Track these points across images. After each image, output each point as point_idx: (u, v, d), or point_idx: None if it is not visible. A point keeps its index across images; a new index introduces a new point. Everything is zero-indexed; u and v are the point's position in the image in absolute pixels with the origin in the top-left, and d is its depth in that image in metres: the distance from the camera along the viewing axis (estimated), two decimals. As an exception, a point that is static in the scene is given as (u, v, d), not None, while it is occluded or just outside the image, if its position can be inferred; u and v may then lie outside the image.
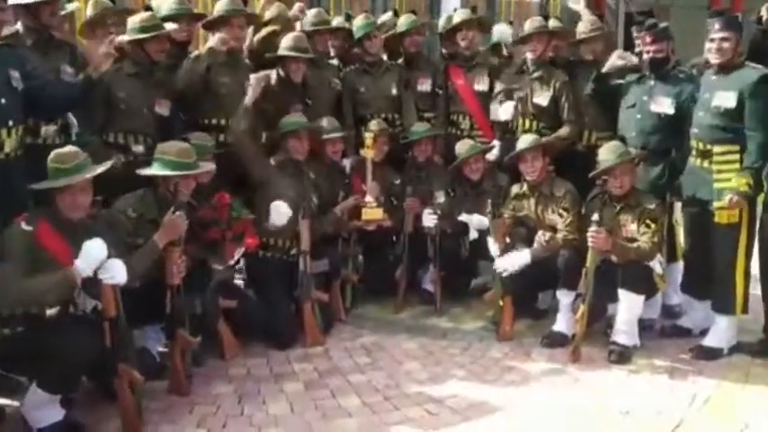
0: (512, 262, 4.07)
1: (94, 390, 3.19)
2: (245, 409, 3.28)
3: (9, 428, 2.99)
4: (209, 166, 3.58)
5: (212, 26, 4.17)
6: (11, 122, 3.14)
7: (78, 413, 3.05)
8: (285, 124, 4.08)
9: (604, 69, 4.37)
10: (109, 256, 2.83)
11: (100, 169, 2.98)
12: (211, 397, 3.36)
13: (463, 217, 4.47)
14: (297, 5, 4.61)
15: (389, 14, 5.29)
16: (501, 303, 4.11)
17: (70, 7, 4.05)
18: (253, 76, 3.95)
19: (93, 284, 2.87)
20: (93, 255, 2.80)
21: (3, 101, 3.12)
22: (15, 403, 3.07)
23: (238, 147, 3.93)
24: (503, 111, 4.58)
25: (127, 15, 3.99)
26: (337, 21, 5.06)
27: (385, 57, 4.93)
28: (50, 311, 2.90)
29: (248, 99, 3.92)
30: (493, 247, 4.14)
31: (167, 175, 3.33)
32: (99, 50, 3.48)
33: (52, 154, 2.95)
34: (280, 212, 3.93)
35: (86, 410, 3.11)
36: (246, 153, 3.93)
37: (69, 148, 3.01)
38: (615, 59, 4.36)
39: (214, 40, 3.96)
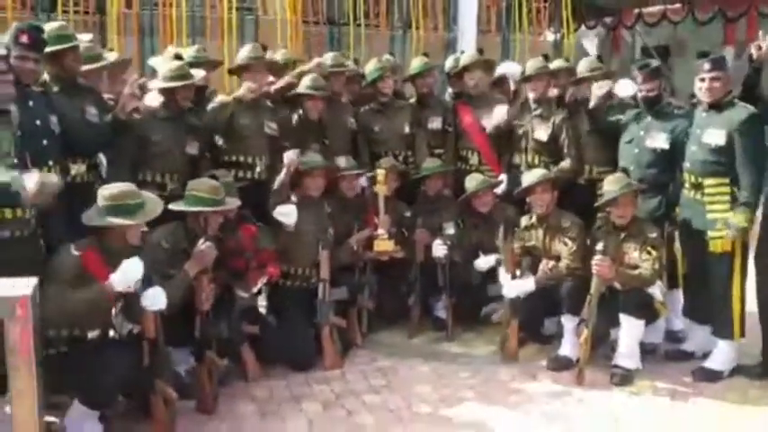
0: (518, 287, 4.30)
1: (130, 407, 3.44)
2: (267, 427, 3.50)
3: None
4: (236, 203, 3.85)
5: (235, 72, 4.55)
6: (51, 162, 3.42)
7: (115, 428, 3.30)
8: (303, 163, 4.35)
9: (591, 105, 4.62)
10: (149, 284, 3.09)
11: (158, 211, 3.30)
12: (235, 416, 3.58)
13: (474, 263, 4.70)
14: (315, 61, 4.90)
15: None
16: (508, 329, 4.33)
17: (110, 58, 4.38)
18: (286, 155, 4.24)
19: (133, 308, 3.14)
20: (129, 271, 3.02)
21: (44, 142, 3.39)
22: (53, 419, 3.33)
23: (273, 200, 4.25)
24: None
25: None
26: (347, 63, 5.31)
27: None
28: (92, 334, 3.17)
29: (280, 179, 4.22)
30: (503, 274, 4.36)
31: (199, 210, 3.62)
32: (125, 91, 3.79)
33: (115, 191, 3.21)
34: (285, 214, 4.16)
35: (123, 425, 3.35)
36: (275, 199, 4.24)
37: (128, 187, 3.27)
38: (596, 90, 4.60)
39: (242, 89, 4.29)
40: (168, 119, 4.13)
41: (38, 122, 3.40)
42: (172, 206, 3.54)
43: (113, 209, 3.16)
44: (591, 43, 5.37)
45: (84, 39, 4.09)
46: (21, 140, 3.18)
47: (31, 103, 3.40)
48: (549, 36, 10.46)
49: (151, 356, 3.09)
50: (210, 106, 4.32)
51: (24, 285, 2.52)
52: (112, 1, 7.45)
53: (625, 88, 4.62)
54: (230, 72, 4.64)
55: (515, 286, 4.30)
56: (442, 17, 9.69)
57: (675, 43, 11.82)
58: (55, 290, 2.99)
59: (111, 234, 3.17)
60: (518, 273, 4.37)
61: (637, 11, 12.19)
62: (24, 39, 3.32)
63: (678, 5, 11.41)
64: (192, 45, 5.54)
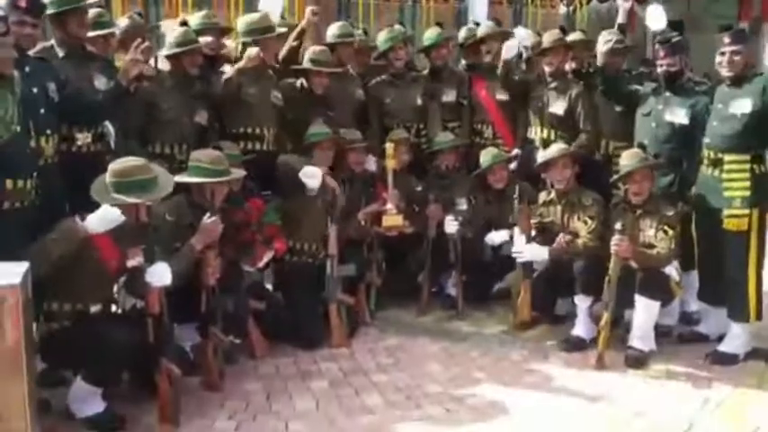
0: (531, 252, 4.21)
1: (133, 383, 3.38)
2: (273, 404, 3.44)
3: (54, 418, 3.18)
4: (240, 173, 3.74)
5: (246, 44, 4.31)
6: (49, 131, 3.34)
7: (119, 405, 3.23)
8: (310, 135, 4.26)
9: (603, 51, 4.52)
10: (153, 258, 3.01)
11: (170, 187, 3.22)
12: (242, 393, 3.52)
13: (486, 238, 4.62)
14: (308, 10, 4.73)
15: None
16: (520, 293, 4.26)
17: (120, 25, 4.24)
18: None
19: (137, 283, 3.06)
20: (107, 216, 2.94)
21: (42, 111, 3.30)
22: (60, 395, 3.27)
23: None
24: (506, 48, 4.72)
25: (152, 32, 4.20)
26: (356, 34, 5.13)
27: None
28: (94, 308, 3.10)
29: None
30: (518, 236, 4.26)
31: (202, 182, 3.52)
32: (127, 57, 3.67)
33: (127, 167, 3.10)
34: (310, 176, 4.03)
35: (127, 402, 3.29)
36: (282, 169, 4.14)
37: (139, 162, 3.16)
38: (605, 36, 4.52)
39: (243, 59, 4.12)
40: (176, 87, 4.03)
41: (35, 90, 3.32)
42: (175, 178, 3.43)
43: (124, 185, 3.05)
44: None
45: (93, 2, 3.99)
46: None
47: (27, 69, 3.30)
48: (562, 9, 10.25)
49: (155, 333, 3.01)
50: (215, 86, 4.16)
51: (14, 273, 2.50)
52: (117, -32, 7.26)
53: (656, 17, 4.62)
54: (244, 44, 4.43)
55: (529, 249, 4.20)
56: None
57: (689, 18, 11.58)
58: (51, 249, 2.91)
59: (122, 210, 3.04)
60: (533, 234, 4.28)
61: (651, -17, 11.94)
62: (22, 2, 3.24)
63: (693, -22, 11.19)
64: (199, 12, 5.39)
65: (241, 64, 4.13)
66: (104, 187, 3.06)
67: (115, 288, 3.15)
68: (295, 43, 4.61)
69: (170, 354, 3.11)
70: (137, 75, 3.67)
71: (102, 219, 2.96)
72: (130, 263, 3.03)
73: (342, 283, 4.20)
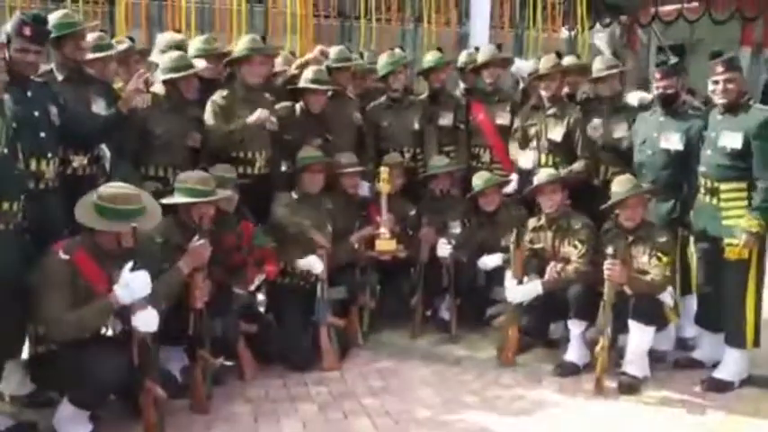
0: (524, 292, 4.18)
1: (120, 406, 3.36)
2: (261, 427, 3.42)
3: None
4: (226, 194, 3.75)
5: (234, 63, 4.37)
6: (50, 154, 3.37)
7: (105, 427, 3.22)
8: (301, 159, 4.28)
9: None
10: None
11: (156, 220, 3.21)
12: (229, 416, 3.50)
13: (479, 262, 4.62)
14: (317, 49, 4.80)
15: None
16: (509, 332, 4.22)
17: (120, 48, 4.28)
18: (257, 112, 4.11)
19: (123, 309, 3.04)
20: (135, 287, 2.94)
21: (42, 135, 3.33)
22: (47, 416, 3.26)
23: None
24: (524, 160, 4.74)
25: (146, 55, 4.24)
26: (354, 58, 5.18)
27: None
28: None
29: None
30: (509, 279, 4.23)
31: (187, 202, 3.53)
32: (129, 86, 3.72)
33: (115, 193, 3.09)
34: (311, 265, 4.09)
35: (113, 424, 3.28)
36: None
37: (129, 191, 3.16)
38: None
39: (254, 117, 4.14)
40: (170, 111, 4.06)
41: (36, 113, 3.35)
42: (162, 200, 3.45)
43: (110, 211, 3.05)
44: (601, 41, 5.22)
45: (92, 26, 4.06)
46: (17, 131, 3.12)
47: (29, 93, 3.35)
48: (564, 33, 10.32)
49: (140, 356, 3.00)
50: (216, 127, 4.17)
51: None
52: (122, -9, 7.39)
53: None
54: (227, 64, 4.45)
55: (521, 291, 4.18)
56: (455, 12, 9.58)
57: (692, 42, 11.65)
58: (56, 306, 2.92)
59: (104, 235, 3.07)
60: (525, 279, 4.24)
61: (653, 9, 12.01)
62: (27, 31, 3.27)
63: (695, 4, 11.25)
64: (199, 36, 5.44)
65: (249, 121, 4.12)
66: (90, 209, 3.06)
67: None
68: (296, 71, 4.65)
69: (155, 376, 3.09)
70: (137, 104, 3.73)
71: (131, 288, 2.95)
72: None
73: (333, 305, 4.18)
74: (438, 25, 9.38)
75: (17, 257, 3.03)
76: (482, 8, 9.03)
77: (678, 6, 11.49)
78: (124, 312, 3.04)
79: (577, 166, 4.63)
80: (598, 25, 12.98)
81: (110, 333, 3.15)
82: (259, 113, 4.12)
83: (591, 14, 10.26)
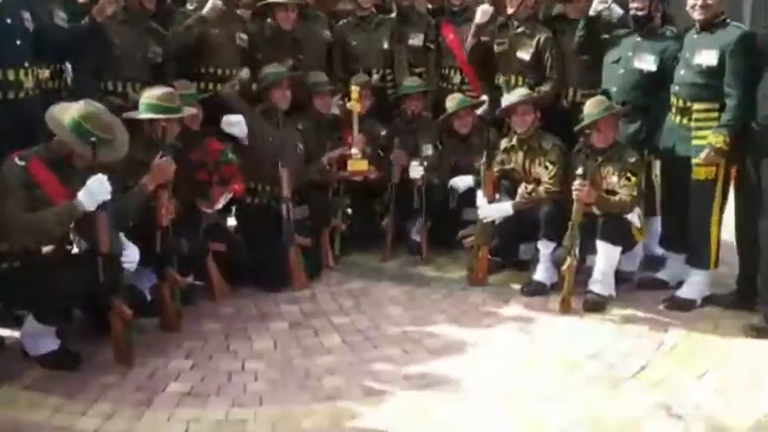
0: (495, 211, 4.19)
1: (89, 322, 3.37)
2: (231, 344, 3.45)
3: (9, 356, 3.18)
4: (192, 111, 3.68)
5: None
6: (27, 63, 3.25)
7: (73, 343, 3.22)
8: (267, 75, 4.17)
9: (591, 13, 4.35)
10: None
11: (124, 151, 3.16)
12: (200, 333, 3.53)
13: (451, 182, 4.60)
14: None
15: None
16: (479, 253, 4.25)
17: None
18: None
19: (88, 223, 2.99)
20: (96, 190, 2.90)
21: (18, 42, 3.22)
22: (15, 333, 3.26)
23: (229, 101, 4.05)
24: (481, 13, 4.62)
25: None
26: None
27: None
28: (46, 249, 3.05)
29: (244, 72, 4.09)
30: (481, 199, 4.24)
31: (153, 117, 3.44)
32: None
33: (97, 114, 3.03)
34: (232, 124, 4.01)
35: (81, 341, 3.28)
36: (235, 105, 4.06)
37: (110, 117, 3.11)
38: (596, 4, 4.32)
39: (207, 6, 4.00)
40: (130, 22, 3.92)
41: (8, 20, 3.23)
42: (125, 115, 3.36)
43: (85, 132, 2.98)
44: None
45: None
46: None
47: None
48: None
49: (106, 272, 2.97)
50: (174, 29, 4.06)
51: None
52: None
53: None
54: None
55: (492, 210, 4.19)
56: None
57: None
58: (12, 209, 2.86)
59: (56, 147, 2.99)
60: (496, 197, 4.25)
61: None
62: None
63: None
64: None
65: (203, 12, 4.01)
66: (67, 124, 2.98)
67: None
68: None
69: (122, 293, 3.08)
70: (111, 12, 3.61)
71: (92, 192, 2.91)
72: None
73: (302, 226, 4.17)
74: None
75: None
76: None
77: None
78: (81, 222, 3.00)
79: (546, 86, 4.57)
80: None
81: (75, 251, 3.12)
82: (212, 2, 3.99)
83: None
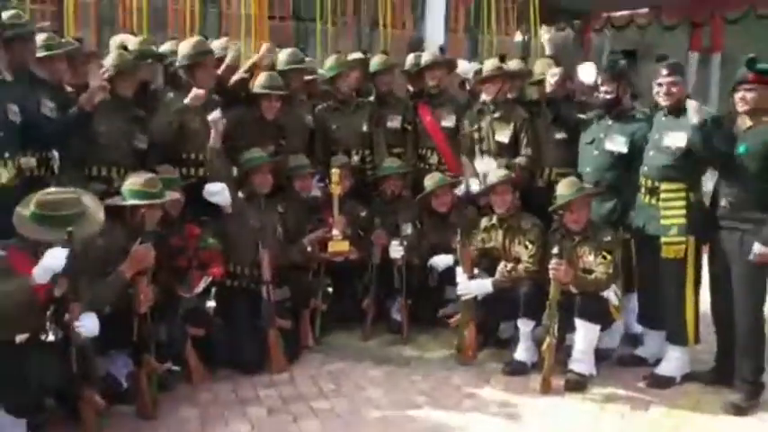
0: (475, 288, 4.23)
1: (62, 412, 3.29)
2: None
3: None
4: (175, 196, 3.73)
5: (185, 69, 4.26)
6: (7, 154, 3.31)
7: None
8: (247, 160, 4.26)
9: (547, 92, 4.56)
10: (78, 283, 2.95)
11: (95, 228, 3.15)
12: (176, 420, 3.47)
13: (431, 261, 4.66)
14: (263, 47, 4.76)
15: (359, 54, 5.48)
16: (465, 330, 4.26)
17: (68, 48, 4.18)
18: (210, 118, 4.06)
19: (62, 313, 2.99)
20: (50, 261, 2.88)
21: (0, 133, 3.29)
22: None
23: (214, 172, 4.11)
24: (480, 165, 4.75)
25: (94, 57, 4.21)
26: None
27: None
28: (20, 337, 3.03)
29: (212, 141, 4.07)
30: (461, 275, 4.28)
31: (135, 204, 3.49)
32: (92, 83, 3.69)
33: (50, 198, 3.04)
34: (215, 193, 4.02)
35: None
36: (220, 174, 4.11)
37: (66, 195, 3.11)
38: (549, 78, 4.53)
39: (190, 96, 4.09)
40: (113, 110, 4.00)
41: None
42: (107, 202, 3.40)
43: (48, 219, 3.01)
44: (547, 42, 5.34)
45: (42, 27, 4.01)
46: None
47: None
48: (518, 36, 10.46)
49: (79, 362, 2.95)
50: (157, 121, 4.14)
51: None
52: (71, -11, 7.24)
53: (587, 73, 4.55)
54: (180, 68, 4.37)
55: (472, 286, 4.23)
56: (411, 15, 9.63)
57: (643, 47, 11.93)
58: None
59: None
60: (476, 272, 4.30)
61: (605, 14, 12.27)
62: None
63: (645, 10, 11.52)
64: (153, 38, 5.34)
65: (186, 101, 4.11)
66: (26, 216, 3.01)
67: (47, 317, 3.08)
68: (246, 75, 4.61)
69: (94, 383, 3.05)
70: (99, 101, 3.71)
71: (46, 264, 2.89)
72: (58, 292, 2.96)
73: (281, 307, 4.17)
74: (394, 28, 9.42)
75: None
76: (437, 12, 9.10)
77: (630, 12, 11.78)
78: (64, 318, 2.99)
79: (519, 159, 4.70)
80: (553, 30, 13.19)
81: (51, 338, 3.10)
82: (194, 93, 4.07)
83: (543, 19, 10.42)
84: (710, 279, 3.96)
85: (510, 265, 4.22)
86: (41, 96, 3.74)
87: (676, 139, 3.88)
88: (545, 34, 6.67)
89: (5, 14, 3.68)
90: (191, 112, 4.18)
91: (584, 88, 4.64)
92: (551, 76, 4.54)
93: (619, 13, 11.99)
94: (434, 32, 8.95)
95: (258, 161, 4.26)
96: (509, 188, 4.35)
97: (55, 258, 2.90)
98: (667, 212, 3.91)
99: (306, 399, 3.78)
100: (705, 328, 4.08)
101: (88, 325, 3.01)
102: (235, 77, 4.58)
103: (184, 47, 4.30)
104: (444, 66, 5.05)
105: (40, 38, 3.89)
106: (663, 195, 3.93)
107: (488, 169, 4.68)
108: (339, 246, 4.48)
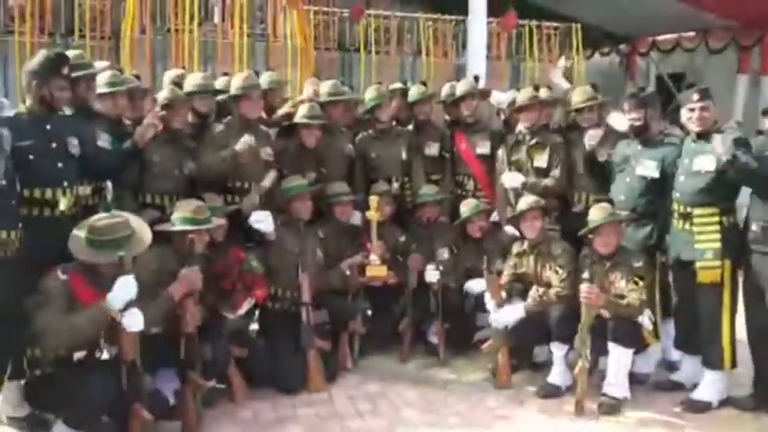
0: (507, 316, 4.31)
1: (112, 427, 3.49)
2: (248, 449, 3.56)
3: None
4: (220, 222, 3.95)
5: (234, 100, 4.54)
6: (66, 183, 3.56)
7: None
8: (288, 189, 4.46)
9: (587, 149, 4.63)
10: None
11: (145, 245, 3.39)
12: (218, 437, 3.65)
13: (466, 285, 4.76)
14: (310, 88, 4.99)
15: (399, 84, 5.67)
16: (499, 355, 4.35)
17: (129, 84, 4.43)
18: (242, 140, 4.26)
19: (112, 330, 3.20)
20: (124, 289, 3.12)
21: (60, 165, 3.54)
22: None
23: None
24: (509, 179, 4.88)
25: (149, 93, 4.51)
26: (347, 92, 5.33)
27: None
28: (78, 355, 3.25)
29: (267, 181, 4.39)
30: (489, 302, 4.38)
31: (184, 230, 3.71)
32: (145, 121, 3.96)
33: (102, 225, 3.28)
34: (260, 221, 4.23)
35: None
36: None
37: (115, 220, 3.35)
38: (588, 140, 4.62)
39: (240, 144, 4.27)
40: (166, 141, 4.24)
41: (53, 145, 3.54)
42: (157, 228, 3.63)
43: (98, 243, 3.25)
44: (558, 78, 5.45)
45: (102, 65, 4.28)
46: (31, 162, 3.37)
47: (48, 126, 3.54)
48: (561, 63, 10.52)
49: (129, 379, 3.15)
50: (208, 155, 4.32)
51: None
52: (127, 26, 7.68)
53: (619, 122, 4.63)
54: (228, 100, 4.63)
55: (503, 315, 4.31)
56: (452, 44, 9.83)
57: (691, 71, 11.84)
58: (52, 317, 3.07)
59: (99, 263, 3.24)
60: (504, 297, 4.38)
61: (650, 38, 12.23)
62: (66, 70, 3.52)
63: (692, 33, 11.45)
64: (203, 70, 5.63)
65: (237, 148, 4.26)
66: (80, 241, 3.25)
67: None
68: (292, 110, 4.83)
69: (143, 399, 3.23)
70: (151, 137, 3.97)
71: (120, 292, 3.12)
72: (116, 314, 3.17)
73: (321, 329, 4.33)
74: (436, 57, 9.62)
75: (13, 283, 3.20)
76: (479, 40, 9.27)
77: (676, 35, 11.72)
78: (109, 329, 3.19)
79: (547, 180, 4.79)
80: (597, 55, 13.19)
81: (105, 356, 3.32)
82: (245, 139, 4.27)
83: (586, 44, 10.47)
84: (745, 303, 3.96)
85: (541, 290, 4.29)
86: (97, 129, 3.95)
87: (705, 163, 3.91)
88: (561, 62, 6.73)
89: (71, 54, 3.89)
90: (236, 140, 4.38)
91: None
92: (590, 138, 4.58)
93: (663, 37, 11.94)
94: (476, 61, 9.12)
95: (298, 189, 4.46)
96: (539, 214, 4.43)
97: (128, 287, 3.13)
98: (701, 237, 3.93)
99: (343, 418, 3.90)
100: (743, 352, 4.06)
101: (133, 320, 3.18)
102: (281, 111, 4.81)
103: (236, 80, 4.57)
104: (478, 96, 5.18)
105: (106, 74, 4.14)
106: (696, 220, 3.95)
107: (515, 183, 4.80)
108: (377, 270, 4.63)
